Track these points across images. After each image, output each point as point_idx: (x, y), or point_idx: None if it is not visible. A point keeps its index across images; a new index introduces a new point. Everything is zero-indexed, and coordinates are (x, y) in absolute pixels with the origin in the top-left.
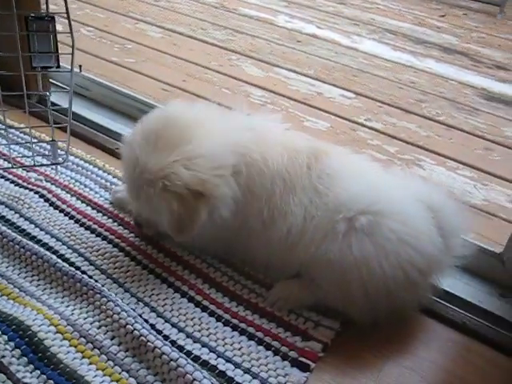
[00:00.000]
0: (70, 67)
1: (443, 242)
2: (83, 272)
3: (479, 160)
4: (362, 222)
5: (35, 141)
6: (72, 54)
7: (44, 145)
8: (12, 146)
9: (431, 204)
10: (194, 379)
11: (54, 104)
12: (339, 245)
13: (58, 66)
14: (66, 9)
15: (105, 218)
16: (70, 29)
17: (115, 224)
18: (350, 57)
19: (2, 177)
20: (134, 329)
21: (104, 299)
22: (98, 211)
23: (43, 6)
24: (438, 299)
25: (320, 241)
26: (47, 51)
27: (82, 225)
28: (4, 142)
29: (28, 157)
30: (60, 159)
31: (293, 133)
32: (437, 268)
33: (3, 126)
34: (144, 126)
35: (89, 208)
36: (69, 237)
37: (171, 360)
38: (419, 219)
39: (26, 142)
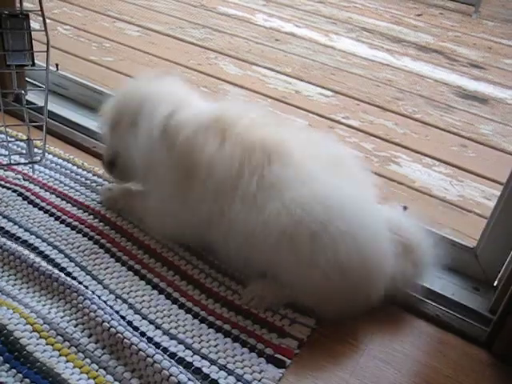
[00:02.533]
0: (45, 65)
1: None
2: (63, 268)
3: (455, 157)
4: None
5: (11, 139)
6: (47, 51)
7: (21, 144)
8: None
9: (406, 237)
10: (171, 375)
11: (29, 102)
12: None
13: (33, 64)
14: (41, 6)
15: (85, 214)
16: (45, 26)
17: (96, 220)
18: (327, 55)
19: None
20: (111, 326)
21: (80, 297)
22: (79, 208)
23: (18, 4)
24: (412, 293)
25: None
26: (22, 49)
27: (61, 222)
28: None
29: (4, 155)
30: (37, 158)
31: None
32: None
33: None
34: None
35: (69, 205)
36: (49, 234)
37: (148, 356)
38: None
39: (2, 141)
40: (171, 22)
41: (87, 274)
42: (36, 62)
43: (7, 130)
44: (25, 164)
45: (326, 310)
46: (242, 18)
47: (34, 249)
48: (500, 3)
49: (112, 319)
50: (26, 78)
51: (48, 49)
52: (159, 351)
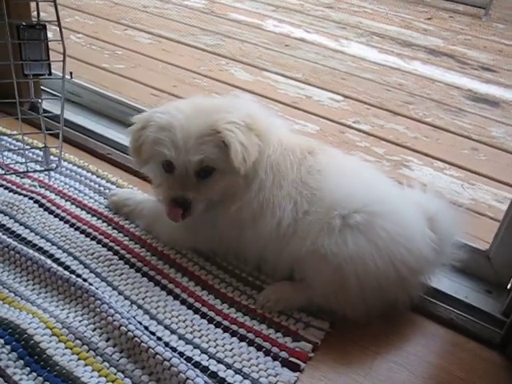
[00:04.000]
0: (61, 74)
1: (437, 245)
2: (78, 275)
3: (466, 160)
4: (357, 220)
5: (28, 147)
6: (63, 61)
7: (37, 151)
8: (5, 153)
9: (427, 209)
10: (188, 378)
11: (45, 111)
12: (335, 239)
13: (50, 74)
14: (57, 17)
15: (99, 221)
16: (61, 37)
17: (110, 228)
18: (338, 60)
19: None
20: (128, 330)
21: (98, 302)
22: (93, 215)
23: (34, 13)
24: (426, 296)
25: (315, 235)
26: (39, 59)
27: (76, 229)
28: None
29: (21, 163)
30: (53, 165)
31: (291, 133)
32: (428, 268)
33: None
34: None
35: (83, 212)
36: (64, 241)
37: (165, 360)
38: (412, 221)
39: (19, 149)
40: (182, 29)
41: (102, 281)
42: (52, 71)
43: (24, 137)
44: (41, 171)
45: (352, 313)
46: (252, 24)
47: (49, 256)
48: (510, 5)
49: (129, 323)
50: (41, 87)
51: (64, 58)
52: (176, 355)
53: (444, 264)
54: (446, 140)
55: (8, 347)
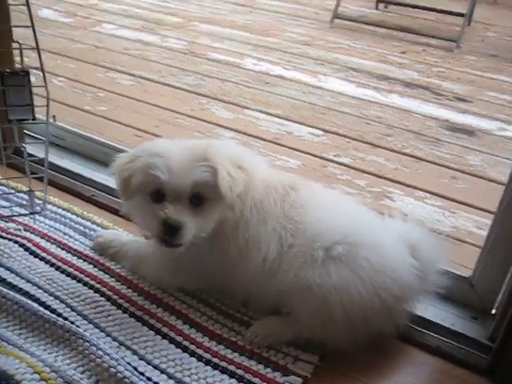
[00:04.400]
0: (44, 118)
1: (420, 272)
2: (65, 318)
3: (446, 189)
4: (339, 251)
5: (12, 191)
6: (47, 106)
7: (21, 195)
8: None
9: (409, 237)
10: None
11: (30, 155)
12: (318, 271)
13: (34, 118)
14: (40, 63)
15: (85, 263)
16: (45, 82)
17: (96, 269)
18: (317, 95)
19: None
20: (118, 371)
21: (86, 344)
22: (79, 257)
23: (17, 58)
24: (412, 325)
25: (298, 267)
26: (23, 104)
27: (62, 271)
28: None
29: (6, 207)
30: (38, 208)
31: (272, 169)
32: (412, 295)
33: None
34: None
35: (69, 255)
36: (50, 284)
37: None
38: (394, 250)
39: (3, 194)
40: (163, 69)
41: (89, 323)
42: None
43: (8, 182)
44: (26, 215)
45: (341, 344)
46: (231, 63)
47: (35, 300)
48: (479, 38)
49: (118, 364)
50: (25, 131)
51: (48, 103)
52: None
53: (428, 291)
54: (426, 170)
55: None
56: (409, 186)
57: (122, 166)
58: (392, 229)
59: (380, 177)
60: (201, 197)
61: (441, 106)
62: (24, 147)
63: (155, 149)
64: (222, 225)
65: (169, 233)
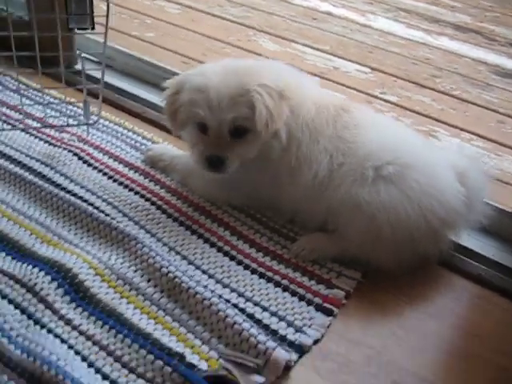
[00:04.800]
0: (104, 29)
1: (467, 200)
2: (118, 222)
3: (492, 132)
4: (390, 171)
5: (69, 101)
6: (107, 14)
7: (74, 109)
8: (41, 108)
9: (457, 164)
10: (227, 316)
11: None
12: (368, 189)
13: (93, 28)
14: None
15: (136, 174)
16: None
17: (146, 180)
18: (364, 34)
19: (36, 137)
20: (169, 271)
21: (139, 245)
22: (130, 169)
23: None
24: (454, 253)
25: (349, 185)
26: (84, 13)
27: (114, 181)
28: (35, 103)
29: (62, 117)
30: (93, 119)
31: (323, 90)
32: (457, 221)
33: (38, 88)
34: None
35: (120, 166)
36: (103, 191)
37: (205, 299)
38: (443, 174)
39: (61, 102)
40: (210, 0)
41: (141, 228)
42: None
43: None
44: (81, 125)
45: (385, 262)
46: None
47: (89, 204)
48: None
49: (170, 265)
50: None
51: (108, 10)
52: (215, 294)
53: (472, 220)
54: (473, 113)
55: (55, 284)
56: (455, 127)
57: (169, 98)
58: (441, 154)
59: (426, 116)
60: (242, 129)
61: (492, 51)
62: (82, 57)
63: (198, 81)
64: (269, 149)
65: (211, 167)
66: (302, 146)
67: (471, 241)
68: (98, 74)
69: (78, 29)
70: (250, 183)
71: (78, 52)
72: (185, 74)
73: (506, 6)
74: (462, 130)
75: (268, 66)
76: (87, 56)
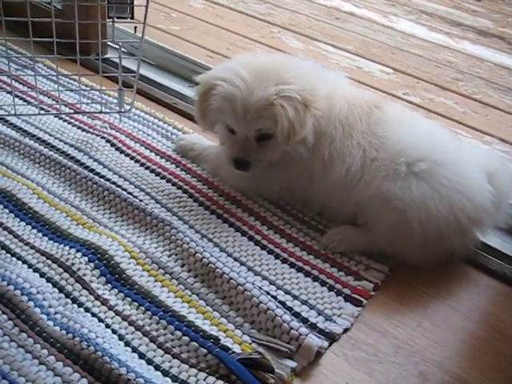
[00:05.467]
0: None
1: (495, 200)
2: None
3: None
4: (422, 167)
5: (104, 88)
6: (146, 5)
7: (105, 97)
8: (75, 95)
9: (487, 164)
10: (260, 302)
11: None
12: (400, 184)
13: (132, 17)
14: None
15: (168, 163)
16: None
17: (178, 169)
18: (387, 35)
19: (69, 123)
20: (203, 257)
21: (174, 230)
22: (161, 157)
23: None
24: (480, 251)
25: (381, 180)
26: (124, 2)
27: (146, 168)
28: (68, 90)
29: (95, 104)
30: (126, 107)
31: (354, 87)
32: (485, 219)
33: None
34: (236, 66)
35: (152, 154)
36: (135, 178)
37: (239, 285)
38: (473, 173)
39: (95, 90)
40: None
41: (173, 215)
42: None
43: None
44: (115, 112)
45: (413, 257)
46: None
47: (123, 190)
48: None
49: (204, 251)
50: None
51: (147, 2)
52: (249, 281)
53: (499, 219)
54: (495, 117)
55: (92, 264)
56: (477, 130)
57: (199, 97)
58: (472, 153)
59: (448, 118)
60: (267, 135)
61: None
62: (119, 45)
63: (225, 90)
64: (295, 152)
65: (238, 167)
66: (336, 141)
67: (496, 240)
68: (128, 64)
69: (117, 18)
70: (278, 179)
71: (115, 41)
72: (215, 73)
73: None
74: (483, 133)
75: (295, 65)
76: (116, 46)
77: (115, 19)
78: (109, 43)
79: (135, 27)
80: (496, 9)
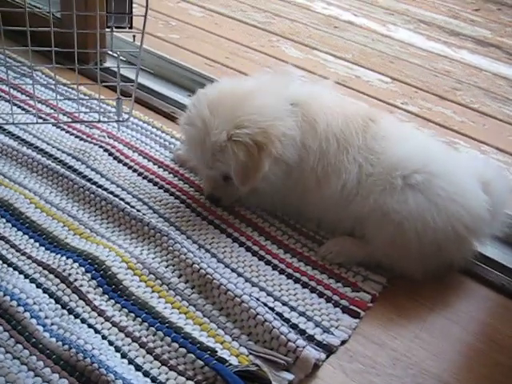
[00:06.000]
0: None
1: (491, 208)
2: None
3: None
4: (417, 179)
5: (102, 97)
6: (145, 15)
7: (104, 106)
8: (74, 105)
9: (482, 173)
10: (258, 314)
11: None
12: (397, 197)
13: (131, 27)
14: None
15: (166, 172)
16: None
17: (176, 179)
18: (385, 44)
19: (67, 132)
20: (201, 268)
21: (171, 241)
22: (159, 166)
23: None
24: (478, 262)
25: (378, 194)
26: (123, 12)
27: (144, 177)
28: (67, 98)
29: (93, 113)
30: (124, 116)
31: (347, 100)
32: (482, 228)
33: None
34: (200, 100)
35: (150, 163)
36: (133, 187)
37: (236, 296)
38: (468, 183)
39: (93, 99)
40: (233, 5)
41: (171, 225)
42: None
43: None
44: (114, 122)
45: (411, 269)
46: (301, 4)
47: (121, 199)
48: None
49: (201, 261)
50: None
51: (146, 11)
52: (246, 292)
53: (496, 230)
54: (493, 126)
55: (88, 275)
56: (475, 139)
57: (181, 128)
58: (467, 164)
59: (447, 128)
60: (230, 176)
61: None
62: (118, 54)
63: (189, 133)
64: (272, 176)
65: (211, 202)
66: (330, 156)
67: (494, 251)
68: (127, 73)
69: (116, 27)
70: (276, 191)
71: (113, 51)
72: (186, 113)
73: None
74: (481, 142)
75: (261, 99)
76: (115, 55)
77: (114, 29)
78: (108, 52)
79: (134, 36)
80: (494, 18)
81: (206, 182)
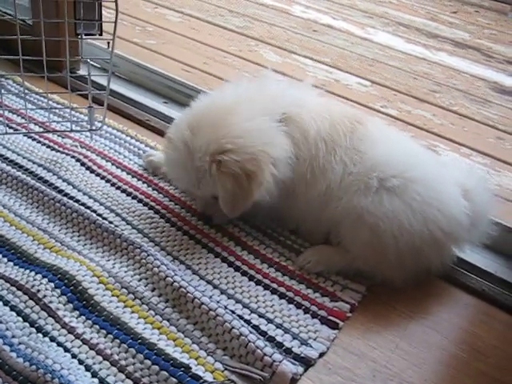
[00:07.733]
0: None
1: (472, 214)
2: (121, 230)
3: (491, 148)
4: (394, 183)
5: (74, 106)
6: (115, 21)
7: (77, 114)
8: (46, 114)
9: (463, 181)
10: (233, 327)
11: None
12: (371, 198)
13: (101, 34)
14: None
15: (139, 182)
16: None
17: (150, 189)
18: (365, 47)
19: (39, 142)
20: (174, 281)
21: (144, 254)
22: (133, 176)
23: None
24: (458, 268)
25: (352, 195)
26: (92, 19)
27: (117, 188)
28: (38, 108)
29: (65, 122)
30: (97, 125)
31: (330, 100)
32: (460, 233)
33: (43, 94)
34: (181, 119)
35: (124, 173)
36: (106, 198)
37: (210, 310)
38: (447, 188)
39: (65, 107)
40: (211, 9)
41: (145, 237)
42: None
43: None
44: (86, 131)
45: (390, 274)
46: (279, 8)
47: (92, 211)
48: None
49: (175, 274)
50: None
51: (116, 17)
52: (221, 305)
53: (476, 236)
54: (472, 128)
55: (58, 291)
56: (454, 142)
57: (164, 152)
58: (448, 171)
59: (426, 130)
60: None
61: (490, 67)
62: (88, 62)
63: (170, 156)
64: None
65: (203, 221)
66: (319, 159)
67: (475, 256)
68: (101, 80)
69: (86, 34)
70: (268, 207)
71: (83, 58)
72: (168, 134)
73: (502, 24)
74: (461, 145)
75: (244, 118)
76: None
77: (83, 36)
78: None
79: (108, 42)
80: (472, 20)
81: (197, 200)
